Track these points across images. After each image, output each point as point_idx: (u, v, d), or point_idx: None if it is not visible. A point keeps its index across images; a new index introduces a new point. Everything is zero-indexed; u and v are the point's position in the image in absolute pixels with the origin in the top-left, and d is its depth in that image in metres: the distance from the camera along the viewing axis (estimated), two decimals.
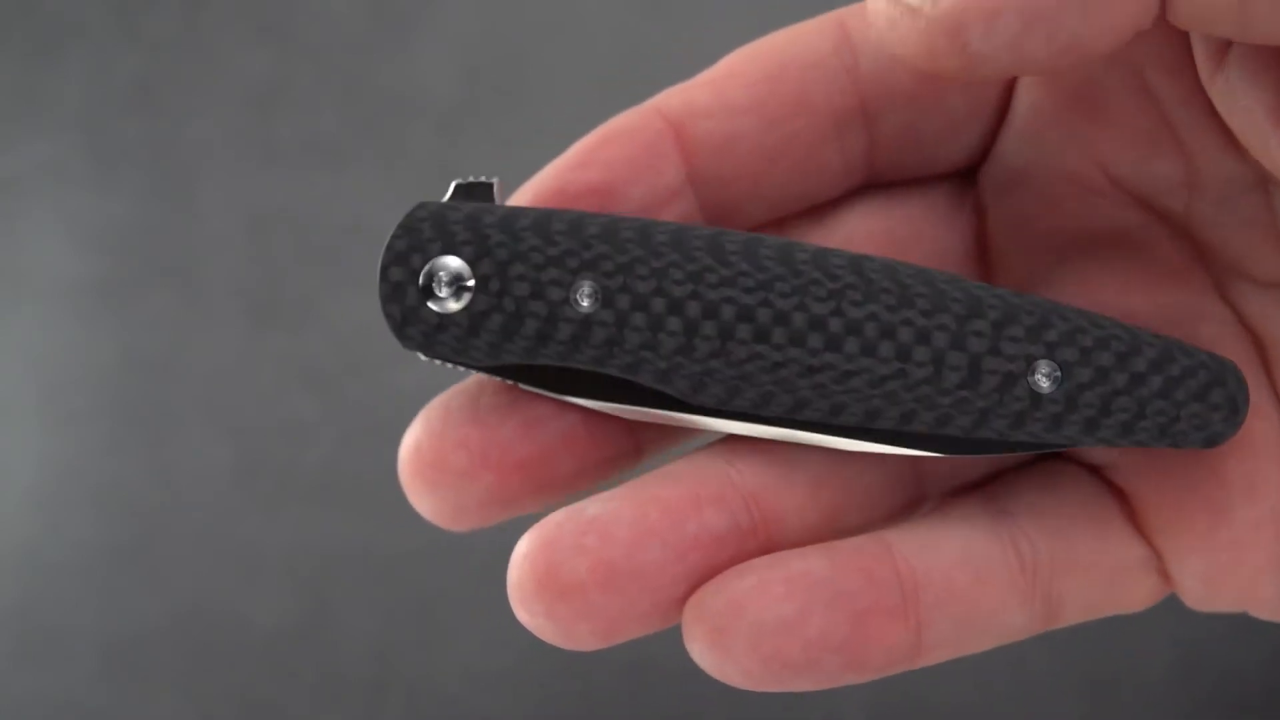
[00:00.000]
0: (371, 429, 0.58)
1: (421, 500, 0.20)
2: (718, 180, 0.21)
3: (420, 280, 0.19)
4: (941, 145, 0.22)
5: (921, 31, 0.16)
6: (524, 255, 0.19)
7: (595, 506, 0.19)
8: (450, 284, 0.19)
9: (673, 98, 0.21)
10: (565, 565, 0.18)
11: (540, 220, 0.19)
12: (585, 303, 0.19)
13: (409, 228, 0.19)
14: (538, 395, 0.20)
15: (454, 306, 0.19)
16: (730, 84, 0.21)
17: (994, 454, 0.20)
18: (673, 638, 0.62)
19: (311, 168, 0.61)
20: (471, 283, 0.19)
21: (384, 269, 0.19)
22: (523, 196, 0.21)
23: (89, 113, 0.62)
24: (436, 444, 0.20)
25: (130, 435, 0.59)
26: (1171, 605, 0.60)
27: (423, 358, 0.20)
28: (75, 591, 0.58)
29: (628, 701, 0.56)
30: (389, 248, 0.19)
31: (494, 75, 0.62)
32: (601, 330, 0.19)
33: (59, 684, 0.57)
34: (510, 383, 0.20)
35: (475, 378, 0.21)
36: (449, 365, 0.20)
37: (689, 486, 0.19)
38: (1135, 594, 0.23)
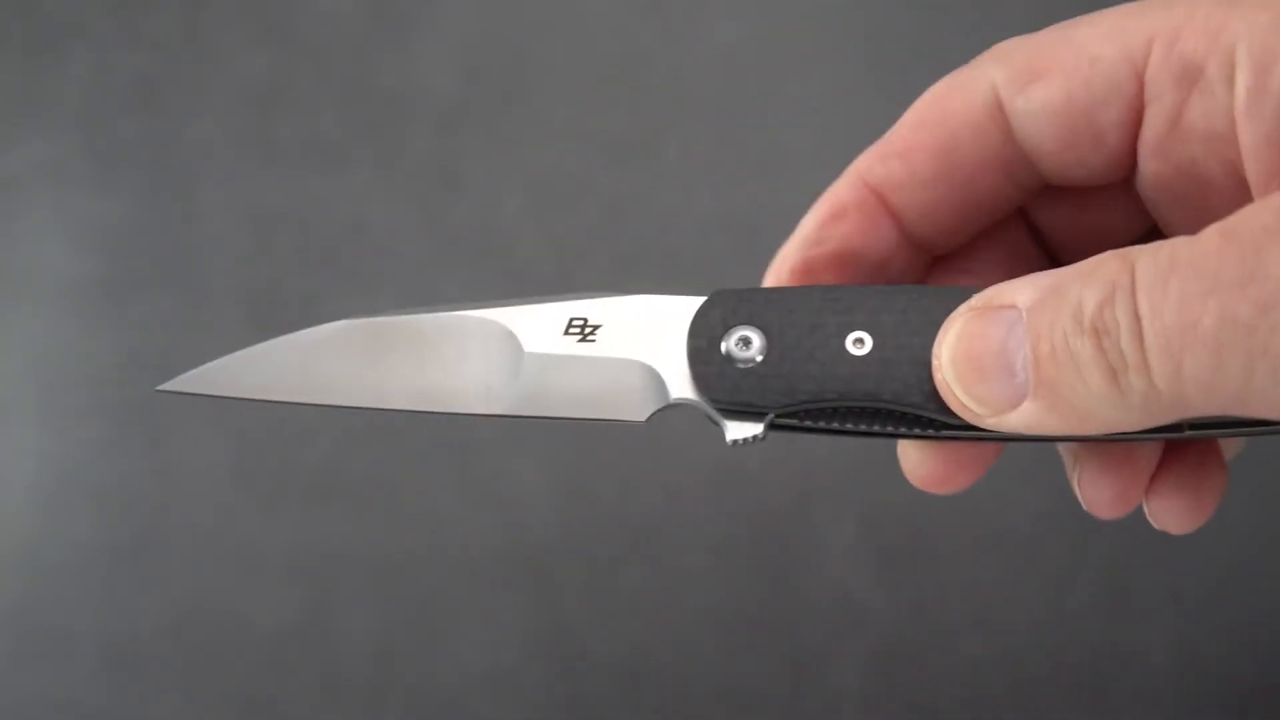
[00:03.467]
0: (371, 429, 0.58)
1: None
2: (923, 226, 0.26)
3: (723, 346, 0.24)
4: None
5: None
6: (804, 315, 0.24)
7: None
8: (747, 344, 0.24)
9: (874, 170, 0.26)
10: None
11: (807, 291, 0.25)
12: (854, 348, 0.24)
13: (708, 307, 0.25)
14: None
15: (754, 362, 0.24)
16: (917, 157, 0.26)
17: None
18: (669, 640, 0.62)
19: (311, 168, 0.61)
20: (764, 342, 0.24)
21: (691, 339, 0.25)
22: (774, 275, 0.27)
23: (89, 113, 0.62)
24: None
25: (130, 435, 0.59)
26: (1171, 605, 0.60)
27: (727, 427, 0.25)
28: (75, 591, 0.58)
29: (625, 702, 0.56)
30: (694, 325, 0.25)
31: (494, 75, 0.62)
32: (873, 366, 0.24)
33: (59, 684, 0.57)
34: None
35: None
36: (745, 426, 0.25)
37: None
38: None
